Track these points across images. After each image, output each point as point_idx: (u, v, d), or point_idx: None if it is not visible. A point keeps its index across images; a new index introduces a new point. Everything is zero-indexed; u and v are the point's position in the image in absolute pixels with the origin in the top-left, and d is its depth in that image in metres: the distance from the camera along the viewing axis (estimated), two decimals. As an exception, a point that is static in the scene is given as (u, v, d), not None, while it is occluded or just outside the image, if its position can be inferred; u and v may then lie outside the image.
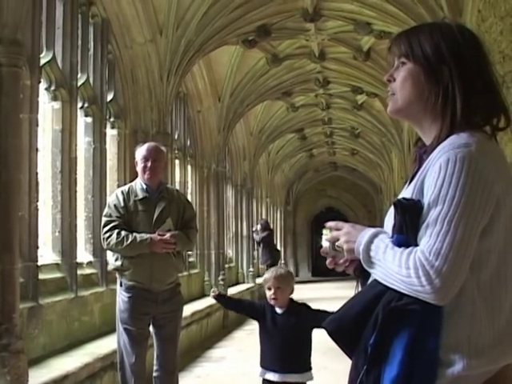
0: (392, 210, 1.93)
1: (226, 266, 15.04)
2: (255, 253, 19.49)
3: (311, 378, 4.79)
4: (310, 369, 4.79)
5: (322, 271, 31.00)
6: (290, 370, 4.63)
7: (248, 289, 16.51)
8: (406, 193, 1.94)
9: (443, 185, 1.80)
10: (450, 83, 1.95)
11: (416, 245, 1.82)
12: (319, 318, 4.36)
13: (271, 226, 20.27)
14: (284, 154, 23.65)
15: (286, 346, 4.61)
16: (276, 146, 22.18)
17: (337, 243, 2.06)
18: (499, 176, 1.85)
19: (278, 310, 4.68)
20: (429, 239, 1.78)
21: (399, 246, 1.84)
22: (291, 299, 4.74)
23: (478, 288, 1.83)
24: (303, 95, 17.40)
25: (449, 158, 1.81)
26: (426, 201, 1.84)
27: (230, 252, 17.41)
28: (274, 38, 12.29)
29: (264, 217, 22.91)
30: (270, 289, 4.62)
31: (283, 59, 13.95)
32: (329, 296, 17.96)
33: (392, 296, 1.84)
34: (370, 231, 1.94)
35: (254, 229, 18.84)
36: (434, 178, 1.83)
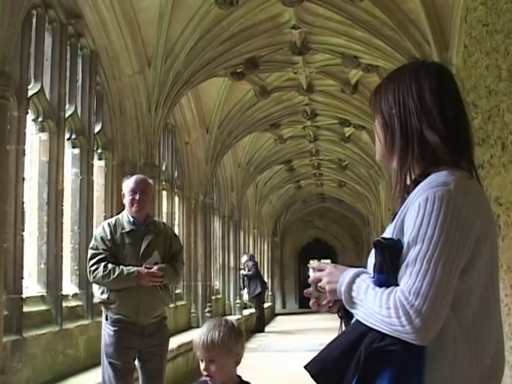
0: (373, 250, 1.93)
1: (213, 297, 14.96)
2: (241, 284, 19.50)
3: None
4: None
5: (308, 303, 30.92)
6: None
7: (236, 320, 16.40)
8: (387, 232, 1.94)
9: (422, 224, 1.80)
10: (415, 129, 1.96)
11: (397, 284, 1.81)
12: None
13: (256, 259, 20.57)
14: (272, 185, 23.70)
15: None
16: (264, 177, 22.23)
17: (319, 284, 2.06)
18: (479, 214, 1.85)
19: None
20: (408, 279, 1.78)
21: (380, 285, 1.83)
22: (238, 377, 3.20)
23: (461, 327, 1.82)
24: (291, 127, 17.48)
25: (427, 197, 1.82)
26: (405, 240, 1.84)
27: (217, 283, 17.34)
28: (262, 70, 12.38)
29: (251, 248, 22.95)
30: (201, 360, 3.10)
31: (271, 91, 14.04)
32: (315, 327, 17.88)
33: (374, 337, 1.82)
34: (352, 272, 1.94)
35: (242, 265, 19.12)
36: (413, 217, 1.83)
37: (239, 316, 17.56)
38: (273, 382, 9.70)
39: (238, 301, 18.40)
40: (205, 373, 3.06)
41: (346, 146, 18.54)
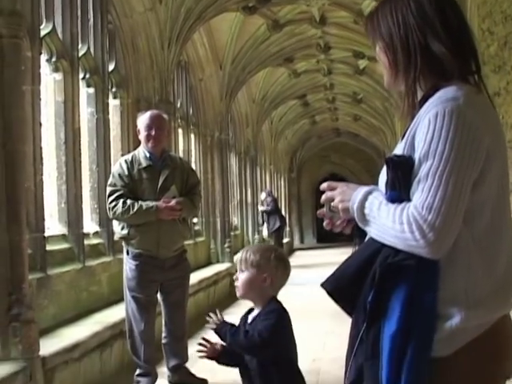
0: (385, 167, 1.95)
1: (232, 233, 15.08)
2: (260, 220, 19.61)
3: None
4: None
5: (326, 237, 31.08)
6: None
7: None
8: (398, 149, 1.96)
9: (433, 139, 1.81)
10: (417, 43, 1.96)
11: (409, 200, 1.84)
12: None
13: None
14: (287, 120, 23.59)
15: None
16: (278, 112, 22.12)
17: (332, 203, 2.07)
18: (488, 128, 1.86)
19: (250, 316, 3.31)
20: (421, 194, 1.80)
21: (393, 202, 1.86)
22: (274, 298, 3.33)
23: (473, 240, 1.86)
24: (305, 61, 17.29)
25: (437, 112, 1.83)
26: (417, 156, 1.85)
27: (235, 219, 17.44)
28: (274, 3, 12.21)
29: (268, 184, 23.01)
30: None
31: (284, 25, 13.86)
32: (333, 261, 17.77)
33: (388, 252, 1.86)
34: (364, 189, 1.95)
35: (261, 202, 19.23)
36: (423, 133, 1.84)
37: (258, 251, 17.68)
38: (292, 314, 9.82)
39: (256, 236, 18.54)
40: (235, 283, 3.30)
41: (360, 78, 18.35)
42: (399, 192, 1.86)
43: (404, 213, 1.80)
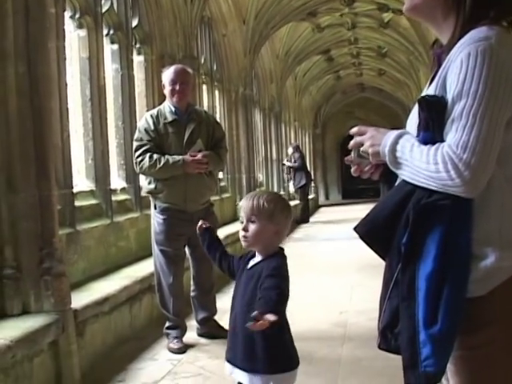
0: (415, 109, 1.94)
1: (257, 189, 15.10)
2: (285, 176, 19.61)
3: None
4: (286, 369, 3.00)
5: (351, 194, 31.05)
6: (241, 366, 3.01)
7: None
8: (429, 91, 1.94)
9: (466, 79, 1.80)
10: None
11: (442, 141, 1.83)
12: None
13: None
14: (311, 76, 23.41)
15: (240, 322, 2.99)
16: (303, 68, 21.96)
17: (361, 148, 2.05)
18: None
19: (252, 261, 3.15)
20: (455, 133, 1.79)
21: (426, 143, 1.85)
22: (281, 249, 3.14)
23: (506, 180, 1.86)
24: (328, 15, 17.09)
25: (470, 52, 1.81)
26: (449, 96, 1.84)
27: (261, 176, 17.45)
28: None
29: (293, 140, 22.93)
30: (242, 222, 3.14)
31: (307, -22, 13.72)
32: (359, 217, 17.74)
33: (421, 194, 1.86)
34: (395, 133, 1.95)
35: (288, 157, 19.18)
36: (456, 73, 1.83)
37: (283, 207, 17.71)
38: (319, 269, 9.90)
39: (281, 192, 18.55)
40: (242, 233, 3.07)
41: (385, 32, 18.12)
42: (433, 133, 1.85)
43: (438, 152, 1.80)
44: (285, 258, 3.08)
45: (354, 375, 4.87)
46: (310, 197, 21.83)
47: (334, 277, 9.04)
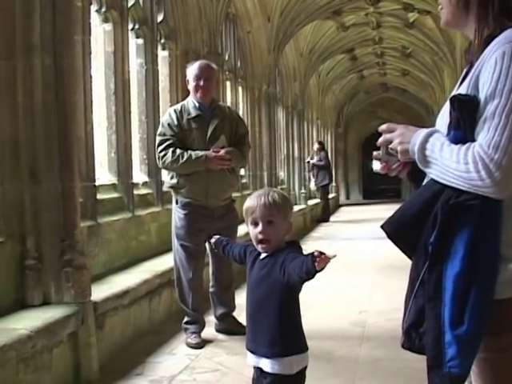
0: (446, 108, 1.92)
1: (279, 187, 15.08)
2: (307, 174, 19.61)
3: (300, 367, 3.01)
4: (300, 351, 3.01)
5: (372, 193, 30.99)
6: (263, 353, 3.00)
7: (300, 210, 16.53)
8: (461, 90, 1.92)
9: (500, 78, 1.77)
10: None
11: (473, 140, 1.80)
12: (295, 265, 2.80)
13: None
14: (334, 75, 23.35)
15: (258, 311, 3.04)
16: (326, 66, 21.90)
17: (390, 146, 2.04)
18: None
19: (262, 255, 3.04)
20: (487, 133, 1.77)
21: (456, 142, 1.83)
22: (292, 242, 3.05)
23: None
24: (353, 14, 17.01)
25: (504, 52, 1.79)
26: (482, 95, 1.81)
27: (282, 174, 17.43)
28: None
29: (315, 139, 22.91)
30: (255, 224, 2.94)
31: (333, -23, 13.67)
32: (379, 217, 17.72)
33: (450, 194, 1.83)
34: (425, 131, 1.93)
35: (312, 152, 19.19)
36: (489, 73, 1.80)
37: (304, 206, 17.73)
38: (338, 268, 9.86)
39: (302, 191, 18.53)
40: (260, 236, 2.91)
41: (409, 32, 18.01)
42: (464, 132, 1.83)
43: (469, 152, 1.78)
44: (300, 248, 3.03)
45: (371, 375, 4.86)
46: (331, 196, 21.81)
47: (354, 276, 9.01)
